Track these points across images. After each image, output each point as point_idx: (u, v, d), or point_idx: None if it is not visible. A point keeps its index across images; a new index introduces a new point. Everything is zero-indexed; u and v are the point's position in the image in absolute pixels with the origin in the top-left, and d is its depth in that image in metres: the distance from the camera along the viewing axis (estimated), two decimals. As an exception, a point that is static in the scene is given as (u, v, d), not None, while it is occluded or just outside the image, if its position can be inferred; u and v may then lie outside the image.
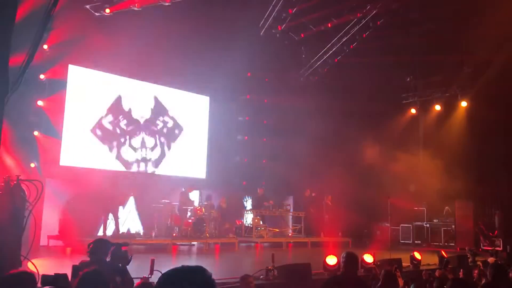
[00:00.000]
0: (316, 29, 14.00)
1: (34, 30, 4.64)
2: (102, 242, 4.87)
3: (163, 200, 13.35)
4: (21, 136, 10.84)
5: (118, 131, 14.53)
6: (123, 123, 14.70)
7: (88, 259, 4.79)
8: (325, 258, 7.73)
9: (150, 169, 15.19)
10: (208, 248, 12.45)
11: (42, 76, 12.14)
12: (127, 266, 5.02)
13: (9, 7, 4.30)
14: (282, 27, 13.39)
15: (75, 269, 4.50)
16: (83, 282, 3.09)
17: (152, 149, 15.33)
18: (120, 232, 12.19)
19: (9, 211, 5.59)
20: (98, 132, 14.05)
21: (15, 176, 6.03)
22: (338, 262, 7.20)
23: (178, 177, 15.82)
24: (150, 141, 15.29)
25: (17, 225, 5.69)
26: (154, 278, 5.08)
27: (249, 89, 17.13)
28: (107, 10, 11.34)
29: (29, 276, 3.36)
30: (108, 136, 14.30)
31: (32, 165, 11.46)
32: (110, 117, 14.39)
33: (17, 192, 5.70)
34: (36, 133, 12.14)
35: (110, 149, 14.31)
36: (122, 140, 14.62)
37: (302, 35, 14.17)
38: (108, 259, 4.80)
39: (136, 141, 14.95)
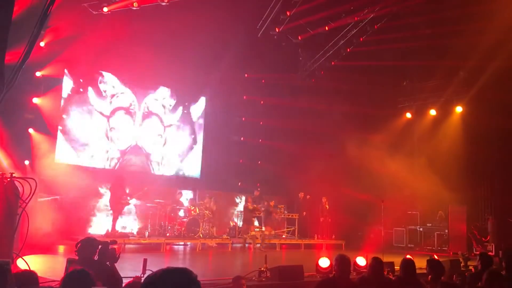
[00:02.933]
0: (314, 31, 14.00)
1: (31, 26, 4.61)
2: (90, 241, 4.85)
3: (157, 200, 13.32)
4: (16, 134, 10.79)
5: (114, 130, 14.50)
6: (119, 122, 14.68)
7: (76, 258, 4.78)
8: (318, 260, 7.76)
9: (146, 168, 15.16)
10: (202, 248, 12.44)
11: (38, 73, 12.08)
12: (116, 264, 5.02)
13: (6, 3, 4.28)
14: (280, 29, 13.38)
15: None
16: (68, 281, 3.04)
17: (148, 148, 15.31)
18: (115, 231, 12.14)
19: (2, 208, 5.57)
20: (94, 130, 14.02)
21: (9, 174, 6.01)
22: (331, 264, 7.22)
23: (173, 176, 15.82)
24: (146, 140, 15.27)
25: (10, 222, 5.67)
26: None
27: (245, 90, 17.12)
28: (105, 9, 11.29)
29: (32, 275, 3.36)
30: (104, 135, 14.27)
31: (27, 162, 11.40)
32: (106, 116, 14.36)
33: (10, 189, 5.68)
34: (31, 130, 12.08)
35: (106, 148, 14.28)
36: (119, 139, 14.60)
37: (299, 37, 14.16)
38: (96, 258, 4.79)
39: (132, 141, 14.93)
